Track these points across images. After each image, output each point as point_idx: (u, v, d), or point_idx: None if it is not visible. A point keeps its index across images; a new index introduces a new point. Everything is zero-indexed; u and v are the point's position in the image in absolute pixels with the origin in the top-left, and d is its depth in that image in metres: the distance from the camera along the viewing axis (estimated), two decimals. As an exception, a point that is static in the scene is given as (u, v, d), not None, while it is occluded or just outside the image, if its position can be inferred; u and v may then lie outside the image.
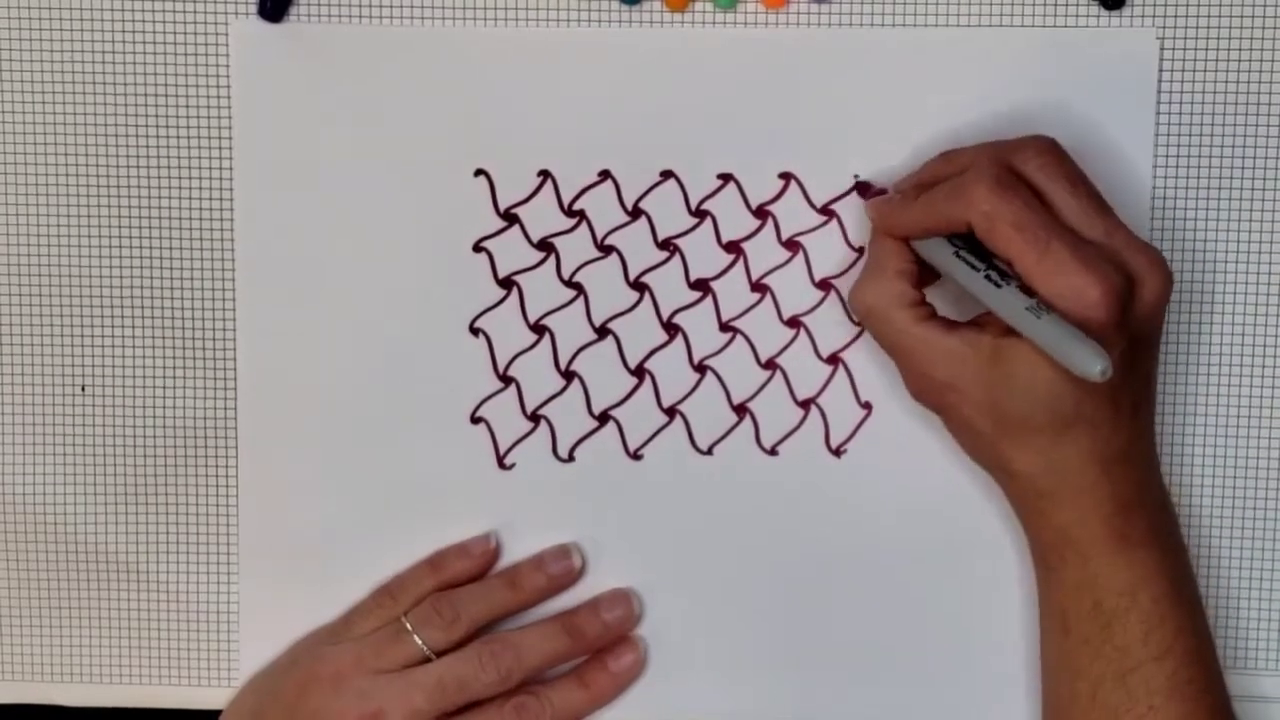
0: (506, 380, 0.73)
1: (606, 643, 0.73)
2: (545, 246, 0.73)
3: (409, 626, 0.70)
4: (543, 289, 0.73)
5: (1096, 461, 0.64)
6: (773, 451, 0.73)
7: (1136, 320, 0.63)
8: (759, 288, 0.72)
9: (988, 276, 0.63)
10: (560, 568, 0.73)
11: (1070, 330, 0.60)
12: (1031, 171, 0.64)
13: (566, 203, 0.72)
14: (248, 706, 0.72)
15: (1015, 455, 0.65)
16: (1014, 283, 0.63)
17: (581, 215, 0.72)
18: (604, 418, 0.73)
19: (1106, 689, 0.65)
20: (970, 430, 0.66)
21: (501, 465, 0.74)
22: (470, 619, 0.71)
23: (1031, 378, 0.62)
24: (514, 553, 0.74)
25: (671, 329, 0.73)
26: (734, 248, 0.72)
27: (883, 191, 0.70)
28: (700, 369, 0.73)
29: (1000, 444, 0.65)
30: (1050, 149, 0.65)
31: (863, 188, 0.71)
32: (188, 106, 0.72)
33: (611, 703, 0.73)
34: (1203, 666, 0.66)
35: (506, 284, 0.73)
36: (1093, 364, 0.59)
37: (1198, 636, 0.66)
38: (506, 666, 0.70)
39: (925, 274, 0.67)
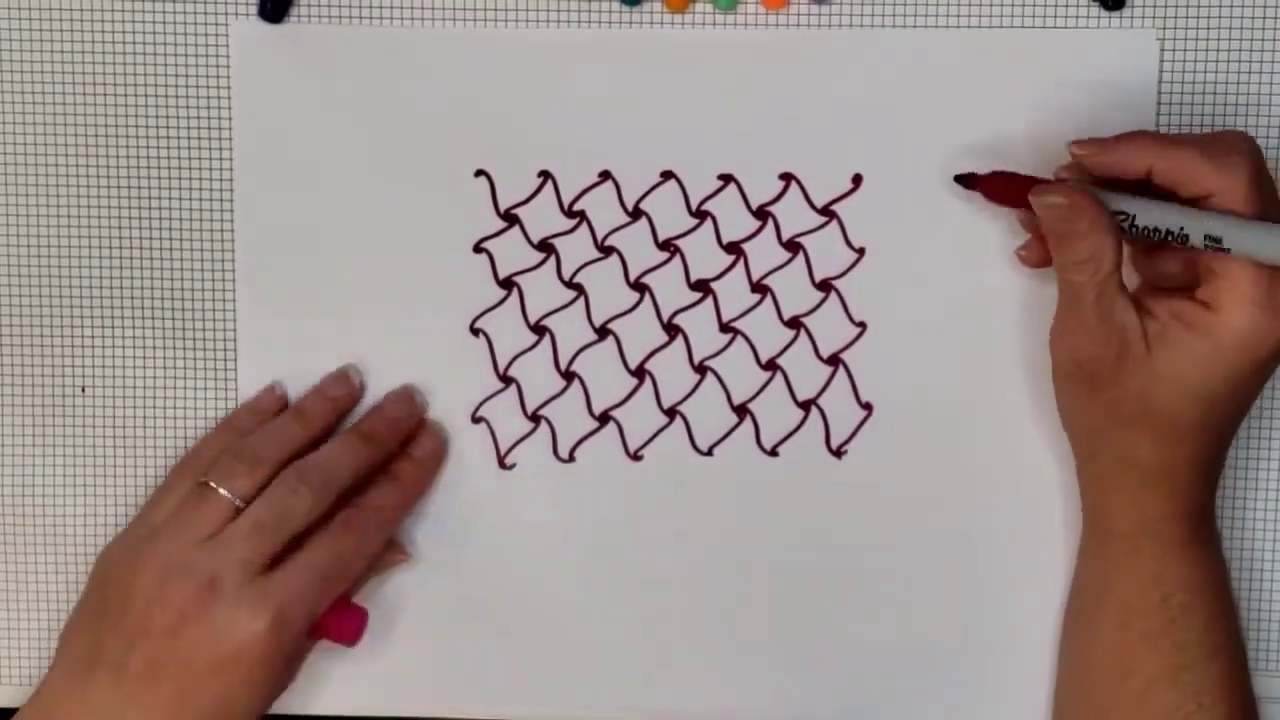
0: (507, 380, 0.73)
1: (402, 440, 0.72)
2: (545, 247, 0.73)
3: (212, 484, 0.69)
4: (543, 289, 0.73)
5: (1206, 462, 0.66)
6: (773, 452, 0.73)
7: None
8: (759, 288, 0.72)
9: (1179, 233, 0.64)
10: (341, 390, 0.72)
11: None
12: None
13: (567, 203, 0.72)
14: (80, 649, 0.69)
15: (1146, 445, 0.65)
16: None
17: (582, 216, 0.72)
18: (604, 418, 0.73)
19: (1160, 687, 0.66)
20: (1107, 411, 0.66)
21: (502, 465, 0.74)
22: (270, 459, 0.70)
23: (1208, 380, 0.64)
24: (513, 553, 0.74)
25: (672, 330, 0.73)
26: (734, 248, 0.72)
27: (997, 174, 0.69)
28: (700, 370, 0.73)
29: (1136, 431, 0.65)
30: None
31: (966, 178, 0.69)
32: (188, 106, 0.72)
33: (427, 490, 0.73)
34: (1244, 669, 0.68)
35: (507, 284, 0.73)
36: None
37: (1240, 639, 0.68)
38: (318, 485, 0.69)
39: None
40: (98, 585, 0.69)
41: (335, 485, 0.70)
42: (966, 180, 0.69)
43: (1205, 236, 0.63)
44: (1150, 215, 0.64)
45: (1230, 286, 0.63)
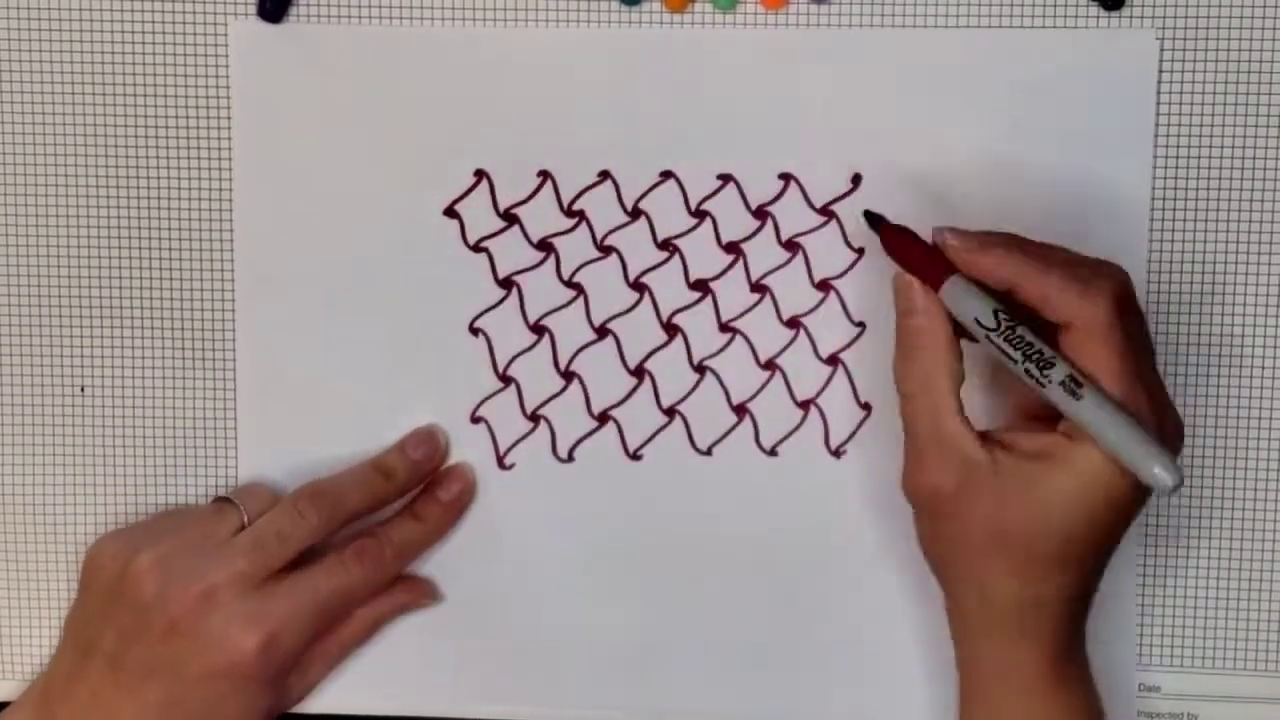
0: (506, 380, 0.73)
1: (419, 482, 0.73)
2: (545, 246, 0.73)
3: (231, 499, 0.71)
4: (543, 289, 0.73)
5: (1070, 601, 0.64)
6: (773, 452, 0.73)
7: None
8: (759, 288, 0.72)
9: (1038, 361, 0.62)
10: (422, 451, 0.72)
11: (1147, 437, 0.60)
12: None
13: (566, 203, 0.72)
14: (81, 640, 0.69)
15: (1001, 580, 0.63)
16: (1062, 370, 0.61)
17: (581, 215, 0.72)
18: (604, 418, 0.73)
19: None
20: (958, 541, 0.64)
21: (501, 465, 0.74)
22: (345, 505, 0.71)
23: (1062, 512, 0.61)
24: (513, 553, 0.74)
25: (671, 329, 0.73)
26: (734, 248, 0.72)
27: (899, 228, 0.67)
28: (700, 369, 0.73)
29: (989, 565, 0.63)
30: (1128, 283, 0.63)
31: (873, 218, 0.68)
32: (188, 106, 0.72)
33: (448, 533, 0.73)
34: None
35: (506, 284, 0.73)
36: (1168, 479, 0.59)
37: None
38: (325, 510, 0.69)
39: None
40: (100, 577, 0.69)
41: (343, 513, 0.70)
42: (873, 219, 0.68)
43: (1063, 386, 0.61)
44: (1027, 329, 0.62)
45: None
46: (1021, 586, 0.63)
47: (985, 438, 0.63)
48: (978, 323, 0.63)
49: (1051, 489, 0.61)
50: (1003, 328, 0.62)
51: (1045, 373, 0.61)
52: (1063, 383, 0.61)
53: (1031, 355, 0.62)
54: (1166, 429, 0.62)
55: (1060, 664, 0.65)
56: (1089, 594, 0.65)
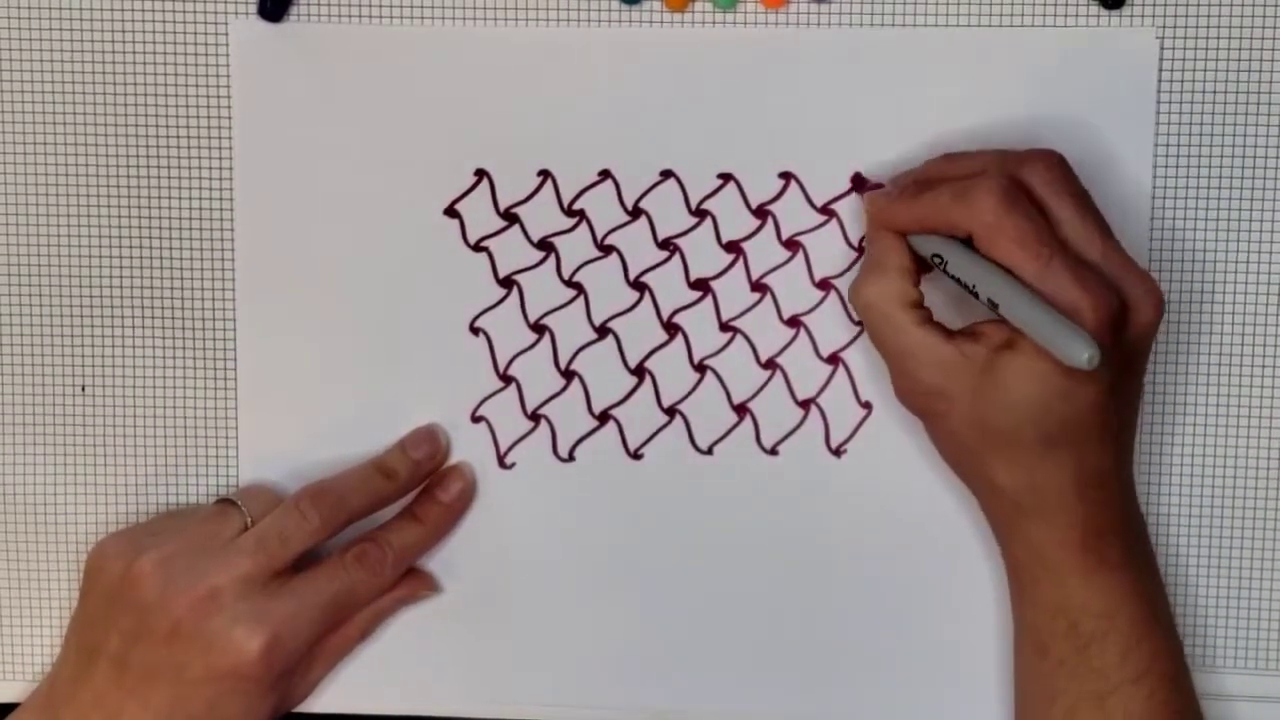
0: (507, 380, 0.73)
1: (420, 481, 0.73)
2: (545, 246, 0.73)
3: (234, 500, 0.71)
4: (543, 289, 0.73)
5: (1077, 483, 0.64)
6: (773, 451, 0.73)
7: (1127, 345, 0.63)
8: (759, 287, 0.73)
9: (973, 289, 0.64)
10: (423, 450, 0.72)
11: (1061, 318, 0.60)
12: (1037, 185, 0.64)
13: (566, 202, 0.72)
14: (86, 642, 0.69)
15: (999, 470, 0.65)
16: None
17: (581, 215, 0.72)
18: (604, 417, 0.73)
19: (1083, 712, 0.65)
20: (955, 440, 0.66)
21: (502, 465, 0.74)
22: (347, 506, 0.71)
23: (1024, 392, 0.63)
24: (514, 552, 0.74)
25: (671, 329, 0.73)
26: (734, 247, 0.72)
27: (879, 186, 0.70)
28: (700, 369, 0.73)
29: (984, 457, 0.65)
30: (1058, 164, 0.65)
31: (859, 181, 0.71)
32: (188, 106, 0.72)
33: (448, 533, 0.73)
34: (1178, 689, 0.66)
35: (507, 284, 0.73)
36: (1081, 352, 0.59)
37: (1173, 659, 0.67)
38: (327, 510, 0.69)
39: (920, 270, 0.67)
40: (102, 579, 0.69)
41: (345, 513, 0.70)
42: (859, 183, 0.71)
43: (987, 300, 0.63)
44: (957, 266, 0.64)
45: None
46: (1018, 474, 0.64)
47: (955, 335, 0.65)
48: (938, 270, 0.66)
49: (1016, 374, 0.63)
50: (943, 265, 0.65)
51: (976, 289, 0.64)
52: (987, 303, 0.63)
53: (970, 288, 0.64)
54: (1100, 304, 0.62)
55: (1094, 546, 0.65)
56: (1102, 474, 0.65)
